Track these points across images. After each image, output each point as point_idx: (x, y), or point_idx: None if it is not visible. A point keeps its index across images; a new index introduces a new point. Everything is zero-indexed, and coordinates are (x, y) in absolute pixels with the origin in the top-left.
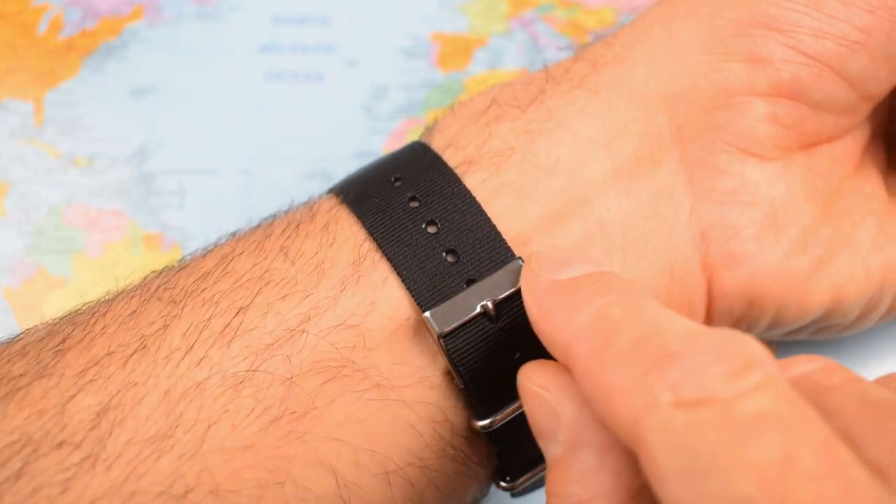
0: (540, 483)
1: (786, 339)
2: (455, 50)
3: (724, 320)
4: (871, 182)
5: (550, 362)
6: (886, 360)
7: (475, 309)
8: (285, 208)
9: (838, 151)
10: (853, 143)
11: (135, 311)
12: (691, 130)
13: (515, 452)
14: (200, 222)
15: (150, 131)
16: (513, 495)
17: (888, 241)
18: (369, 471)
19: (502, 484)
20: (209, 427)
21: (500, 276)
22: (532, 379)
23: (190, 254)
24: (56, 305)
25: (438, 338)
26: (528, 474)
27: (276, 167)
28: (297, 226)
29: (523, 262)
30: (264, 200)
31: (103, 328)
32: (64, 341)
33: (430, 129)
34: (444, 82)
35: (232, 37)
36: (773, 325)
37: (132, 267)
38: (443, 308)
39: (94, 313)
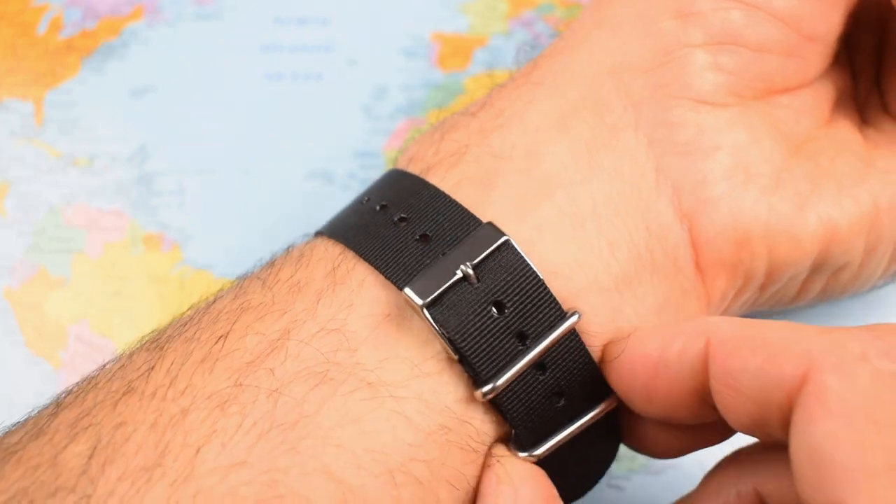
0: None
1: (804, 303)
2: (455, 50)
3: (717, 269)
4: (846, 131)
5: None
6: None
7: (455, 275)
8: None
9: (800, 103)
10: (816, 98)
11: (123, 364)
12: (640, 93)
13: (529, 421)
14: (200, 222)
15: (150, 131)
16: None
17: (872, 172)
18: (372, 472)
19: (521, 456)
20: (199, 450)
21: (471, 241)
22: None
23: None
24: (56, 305)
25: (422, 308)
26: (550, 444)
27: (276, 167)
28: (273, 262)
29: (492, 225)
30: (264, 200)
31: (94, 385)
32: (58, 405)
33: (395, 160)
34: (444, 82)
35: (232, 37)
36: (773, 270)
37: (132, 267)
38: (421, 280)
39: (85, 378)
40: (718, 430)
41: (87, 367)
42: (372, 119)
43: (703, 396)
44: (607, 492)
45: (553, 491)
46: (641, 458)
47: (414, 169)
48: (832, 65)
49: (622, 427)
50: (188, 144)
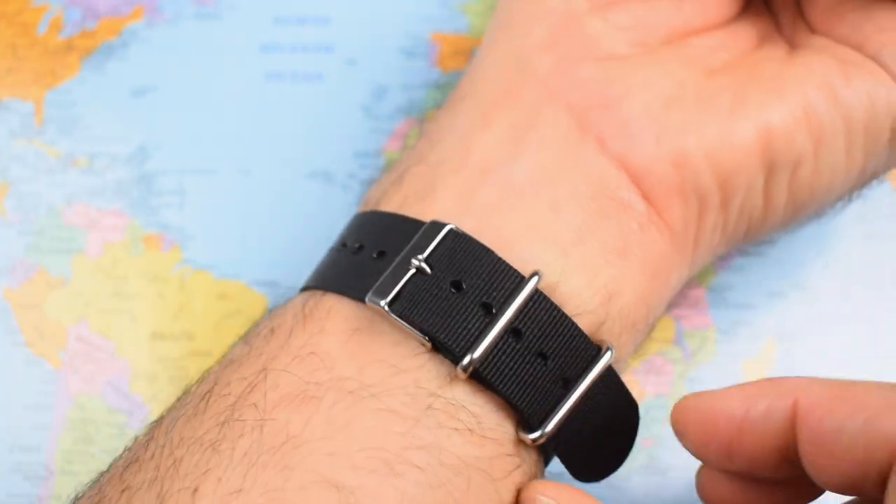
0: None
1: (779, 220)
2: (455, 50)
3: (666, 196)
4: (770, 50)
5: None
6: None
7: (409, 271)
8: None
9: (715, 42)
10: (732, 37)
11: (129, 447)
12: (546, 69)
13: (518, 387)
14: (200, 222)
15: (150, 131)
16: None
17: (794, 66)
18: (368, 468)
19: (529, 438)
20: (196, 489)
21: (418, 239)
22: (542, 491)
23: None
24: (56, 305)
25: (385, 308)
26: (556, 419)
27: (276, 167)
28: (258, 323)
29: (434, 221)
30: (264, 200)
31: (106, 470)
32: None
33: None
34: (444, 82)
35: (232, 37)
36: (723, 181)
37: (132, 267)
38: (379, 286)
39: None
40: (805, 487)
41: (88, 368)
42: (372, 119)
43: (789, 456)
44: (607, 492)
45: None
46: (641, 458)
47: (366, 209)
48: (749, 6)
49: (696, 482)
50: (188, 144)
